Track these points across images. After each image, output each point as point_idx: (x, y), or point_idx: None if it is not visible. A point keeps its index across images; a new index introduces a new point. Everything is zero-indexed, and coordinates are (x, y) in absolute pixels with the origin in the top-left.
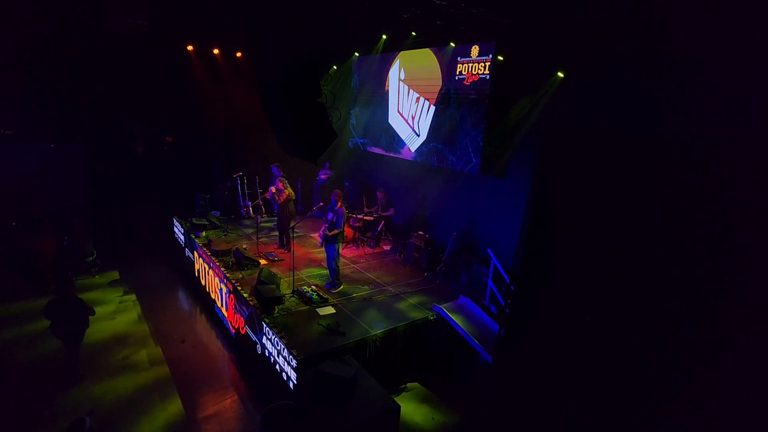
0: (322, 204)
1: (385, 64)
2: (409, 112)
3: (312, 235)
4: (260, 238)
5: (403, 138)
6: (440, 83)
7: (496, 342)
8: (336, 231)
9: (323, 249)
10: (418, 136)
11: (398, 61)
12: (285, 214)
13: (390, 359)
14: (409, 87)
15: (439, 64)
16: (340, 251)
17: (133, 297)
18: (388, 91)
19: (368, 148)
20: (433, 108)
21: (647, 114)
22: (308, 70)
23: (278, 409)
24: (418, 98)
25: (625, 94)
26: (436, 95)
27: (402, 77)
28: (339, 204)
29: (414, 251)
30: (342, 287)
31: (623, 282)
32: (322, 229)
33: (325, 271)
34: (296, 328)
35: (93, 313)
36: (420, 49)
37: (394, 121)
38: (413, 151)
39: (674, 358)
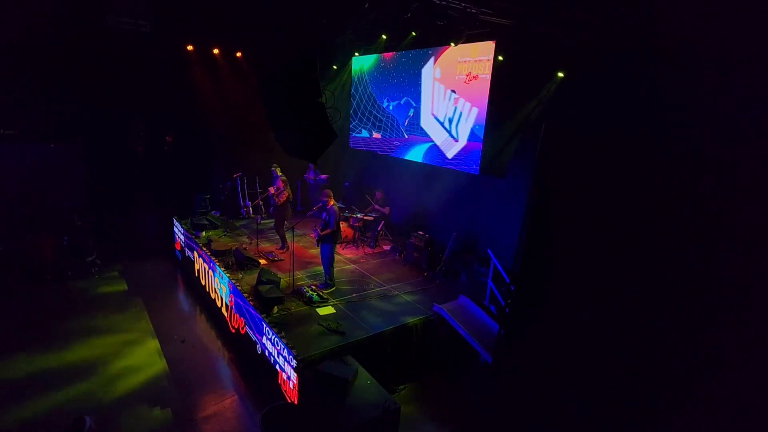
0: (321, 204)
1: (416, 62)
2: (445, 114)
3: (309, 234)
4: (260, 238)
5: (438, 143)
6: (481, 83)
7: (496, 342)
8: (329, 230)
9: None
10: (457, 141)
11: (432, 59)
12: (281, 214)
13: (390, 359)
14: (446, 87)
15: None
16: (336, 250)
17: (132, 297)
18: (420, 91)
19: (391, 153)
20: (475, 111)
21: (647, 114)
22: (308, 70)
23: (278, 409)
24: (456, 99)
25: (625, 94)
26: (475, 96)
27: (437, 76)
28: (330, 203)
29: (414, 251)
30: (334, 288)
31: (623, 282)
32: (316, 229)
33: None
34: (296, 328)
35: None
36: (468, 44)
37: (427, 124)
38: (450, 158)
39: (675, 357)
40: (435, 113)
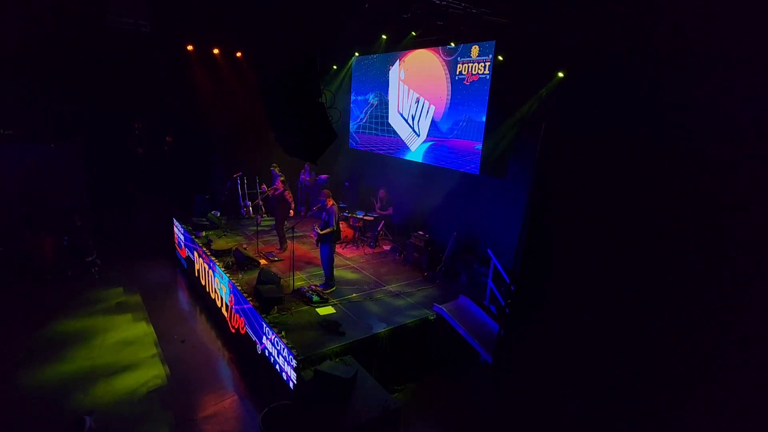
0: (321, 204)
1: (386, 64)
2: (408, 112)
3: (309, 234)
4: (260, 238)
5: (403, 138)
6: (441, 83)
7: (496, 342)
8: (329, 230)
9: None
10: (418, 136)
11: (398, 61)
12: (281, 213)
13: (390, 359)
14: (410, 87)
15: (441, 65)
16: (336, 250)
17: (132, 297)
18: (388, 91)
19: (368, 148)
20: (432, 108)
21: (647, 114)
22: (308, 70)
23: (278, 409)
24: (417, 98)
25: (626, 94)
26: (435, 95)
27: (402, 77)
28: (330, 203)
29: (414, 251)
30: (334, 288)
31: (623, 282)
32: (315, 229)
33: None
34: (296, 328)
35: None
36: (420, 50)
37: (394, 121)
38: (413, 150)
39: (675, 357)
40: (401, 111)
